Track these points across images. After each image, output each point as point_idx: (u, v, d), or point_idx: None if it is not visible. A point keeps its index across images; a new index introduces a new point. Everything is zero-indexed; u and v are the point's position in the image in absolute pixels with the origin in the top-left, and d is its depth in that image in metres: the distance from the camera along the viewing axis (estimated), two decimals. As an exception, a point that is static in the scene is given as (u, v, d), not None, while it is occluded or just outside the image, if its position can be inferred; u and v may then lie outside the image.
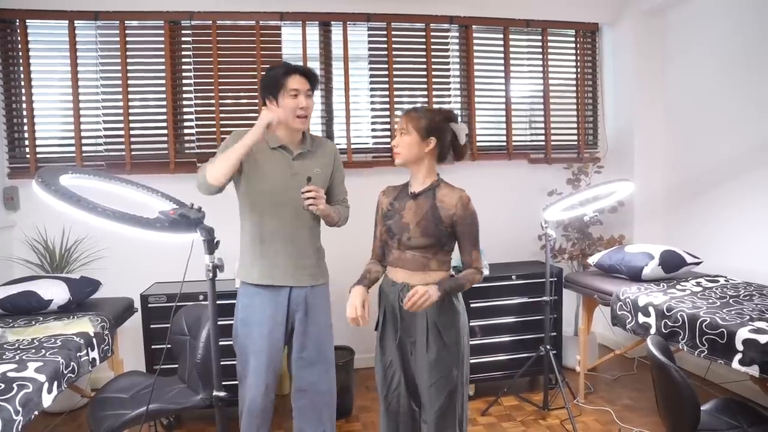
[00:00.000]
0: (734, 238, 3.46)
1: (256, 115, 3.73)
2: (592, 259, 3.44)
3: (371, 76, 3.95)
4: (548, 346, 3.15)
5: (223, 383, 1.83)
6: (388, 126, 3.98)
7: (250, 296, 2.30)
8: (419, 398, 2.05)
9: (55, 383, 2.00)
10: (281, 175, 2.26)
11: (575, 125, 4.34)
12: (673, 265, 3.10)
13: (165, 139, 3.67)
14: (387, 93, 3.94)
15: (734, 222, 3.47)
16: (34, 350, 2.16)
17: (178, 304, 2.65)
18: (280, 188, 2.24)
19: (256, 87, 3.73)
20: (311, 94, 2.26)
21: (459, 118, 2.09)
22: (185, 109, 3.74)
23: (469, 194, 2.00)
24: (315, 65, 3.83)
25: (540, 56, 4.23)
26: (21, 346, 2.22)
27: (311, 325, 2.32)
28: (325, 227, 2.42)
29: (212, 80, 3.68)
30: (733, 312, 2.40)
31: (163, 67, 3.63)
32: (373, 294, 2.11)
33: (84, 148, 3.59)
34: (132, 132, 3.64)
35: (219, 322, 1.84)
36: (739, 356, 2.16)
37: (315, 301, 2.33)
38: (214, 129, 3.70)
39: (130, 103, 3.63)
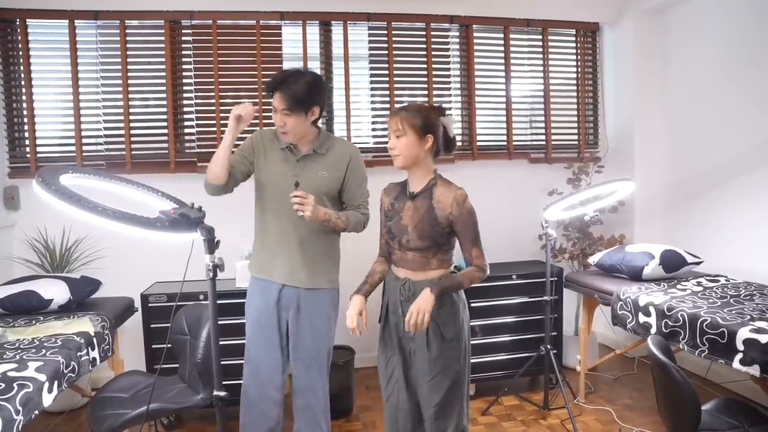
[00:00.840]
0: (735, 237, 3.46)
1: (257, 114, 3.74)
2: (593, 259, 3.44)
3: (372, 75, 3.95)
4: (549, 346, 3.15)
5: (224, 383, 1.83)
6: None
7: (249, 288, 2.42)
8: (417, 393, 2.05)
9: (56, 383, 1.99)
10: (283, 176, 2.27)
11: (576, 125, 4.34)
12: (673, 265, 3.10)
13: (165, 138, 3.67)
14: (387, 93, 3.93)
15: (735, 221, 3.46)
16: (34, 350, 2.16)
17: (178, 303, 2.64)
18: (281, 188, 2.24)
19: (256, 87, 3.73)
20: (289, 113, 2.18)
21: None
22: (185, 109, 3.74)
23: (467, 192, 1.99)
24: (315, 65, 3.83)
25: (540, 56, 4.22)
26: (21, 346, 2.22)
27: (303, 327, 2.32)
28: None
29: (212, 80, 3.68)
30: (733, 312, 2.39)
31: (163, 67, 3.63)
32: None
33: (84, 148, 3.59)
34: (132, 132, 3.64)
35: (219, 322, 1.84)
36: (739, 356, 2.16)
37: (308, 304, 2.31)
38: (215, 129, 3.70)
39: (130, 103, 3.63)
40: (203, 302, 2.92)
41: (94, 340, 2.44)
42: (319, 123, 3.79)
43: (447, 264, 2.05)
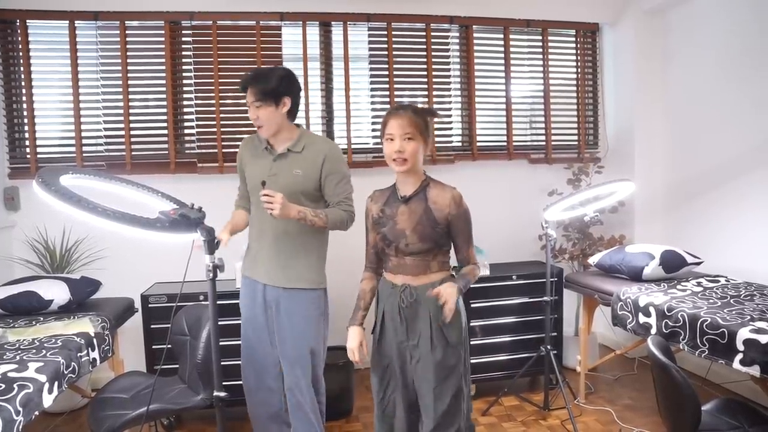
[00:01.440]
0: (735, 237, 3.45)
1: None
2: (593, 259, 3.44)
3: (371, 76, 3.95)
4: (549, 346, 3.14)
5: (224, 383, 1.83)
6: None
7: (241, 287, 2.50)
8: (416, 403, 2.01)
9: (56, 383, 2.00)
10: (260, 176, 2.27)
11: (576, 125, 4.34)
12: (673, 265, 3.10)
13: (165, 139, 3.66)
14: (387, 93, 3.93)
15: (735, 222, 3.46)
16: (34, 350, 2.17)
17: (178, 304, 2.65)
18: (258, 188, 2.22)
19: (256, 87, 3.73)
20: (260, 105, 2.24)
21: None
22: (185, 109, 3.74)
23: (466, 193, 1.99)
24: (315, 65, 3.83)
25: (540, 56, 4.22)
26: (21, 347, 2.22)
27: (284, 327, 2.34)
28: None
29: (212, 80, 3.68)
30: (733, 312, 2.39)
31: (163, 67, 3.63)
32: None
33: (84, 148, 3.59)
34: (132, 132, 3.64)
35: (219, 322, 1.84)
36: (739, 356, 2.16)
37: (287, 305, 2.33)
38: (215, 129, 3.70)
39: (130, 103, 3.63)
40: (203, 303, 2.92)
41: (95, 340, 2.44)
42: (318, 124, 3.87)
43: (447, 266, 2.02)
